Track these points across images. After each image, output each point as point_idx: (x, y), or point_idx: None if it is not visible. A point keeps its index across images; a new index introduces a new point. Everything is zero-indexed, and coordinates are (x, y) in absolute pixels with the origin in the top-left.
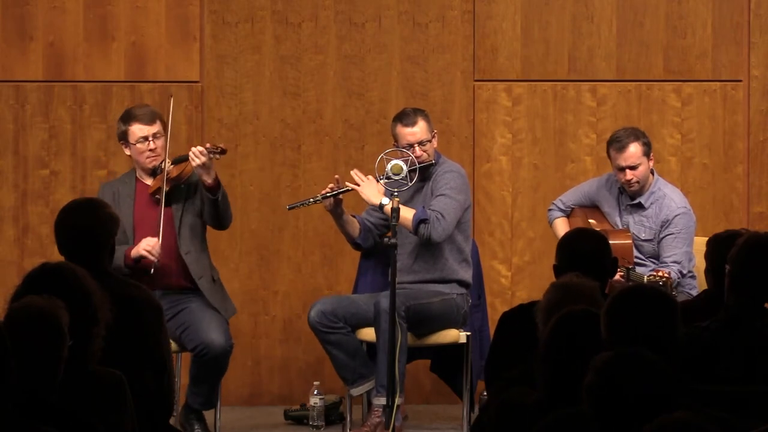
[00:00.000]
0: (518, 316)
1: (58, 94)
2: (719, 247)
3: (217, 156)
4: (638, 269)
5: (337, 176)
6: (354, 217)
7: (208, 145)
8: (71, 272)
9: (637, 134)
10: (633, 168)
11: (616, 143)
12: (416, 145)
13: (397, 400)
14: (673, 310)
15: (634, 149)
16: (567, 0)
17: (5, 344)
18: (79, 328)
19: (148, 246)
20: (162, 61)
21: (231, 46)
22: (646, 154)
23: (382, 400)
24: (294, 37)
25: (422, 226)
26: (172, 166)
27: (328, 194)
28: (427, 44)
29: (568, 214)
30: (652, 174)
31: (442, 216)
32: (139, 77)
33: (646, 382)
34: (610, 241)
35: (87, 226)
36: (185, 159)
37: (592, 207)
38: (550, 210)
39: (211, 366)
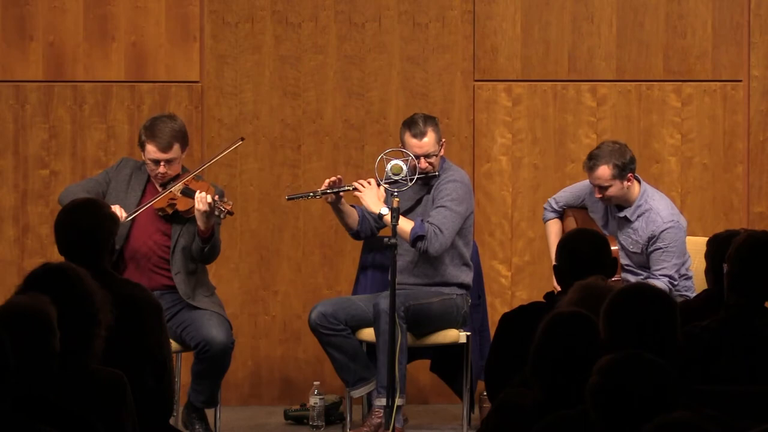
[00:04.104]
0: (518, 318)
1: (58, 94)
2: (719, 247)
3: (221, 216)
4: (629, 277)
5: (339, 176)
6: (354, 207)
7: (216, 198)
8: (73, 272)
9: (610, 156)
10: (602, 189)
11: (587, 161)
12: (422, 157)
13: (398, 401)
14: (673, 310)
15: (601, 172)
16: (567, 0)
17: (4, 344)
18: (80, 329)
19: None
20: (162, 61)
21: (231, 46)
22: (617, 177)
23: (383, 401)
24: (294, 37)
25: (419, 242)
26: (180, 194)
27: (328, 191)
28: (427, 44)
29: (561, 214)
30: (639, 182)
31: (440, 230)
32: (139, 77)
33: (649, 385)
34: None
35: (87, 226)
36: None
37: (582, 209)
38: (544, 208)
39: (212, 363)
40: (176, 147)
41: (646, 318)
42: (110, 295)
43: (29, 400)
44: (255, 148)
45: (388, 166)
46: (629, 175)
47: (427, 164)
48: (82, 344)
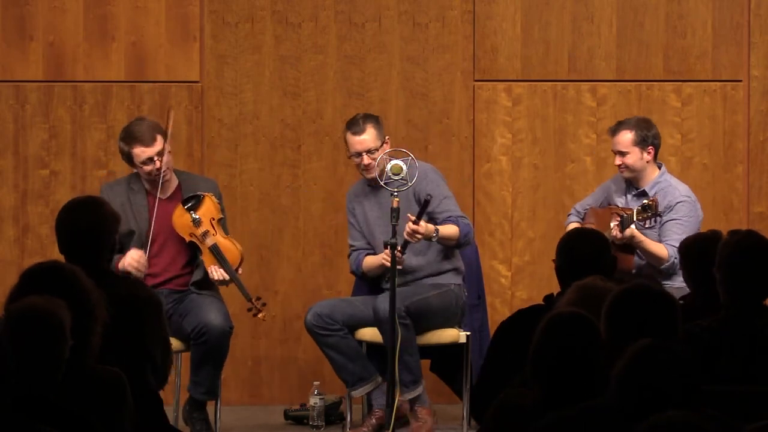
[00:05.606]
0: (514, 325)
1: (58, 94)
2: (690, 252)
3: (254, 315)
4: (635, 259)
5: (398, 255)
6: None
7: (257, 302)
8: (68, 270)
9: (635, 125)
10: (621, 154)
11: (613, 126)
12: (364, 153)
13: (418, 390)
14: (673, 309)
15: (623, 137)
16: (567, 0)
17: (5, 345)
18: (77, 326)
19: (134, 261)
20: (162, 61)
21: (231, 46)
22: (638, 144)
23: (408, 395)
24: (294, 37)
25: (466, 237)
26: (210, 250)
27: (398, 259)
28: (427, 44)
29: (582, 216)
30: (659, 168)
31: (465, 217)
32: (139, 77)
33: (675, 374)
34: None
35: (88, 224)
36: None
37: (607, 206)
38: (568, 215)
39: (210, 348)
40: (159, 138)
41: (647, 317)
42: (110, 292)
43: (29, 400)
44: (255, 148)
45: (388, 166)
46: (650, 148)
47: (370, 160)
48: (80, 342)
